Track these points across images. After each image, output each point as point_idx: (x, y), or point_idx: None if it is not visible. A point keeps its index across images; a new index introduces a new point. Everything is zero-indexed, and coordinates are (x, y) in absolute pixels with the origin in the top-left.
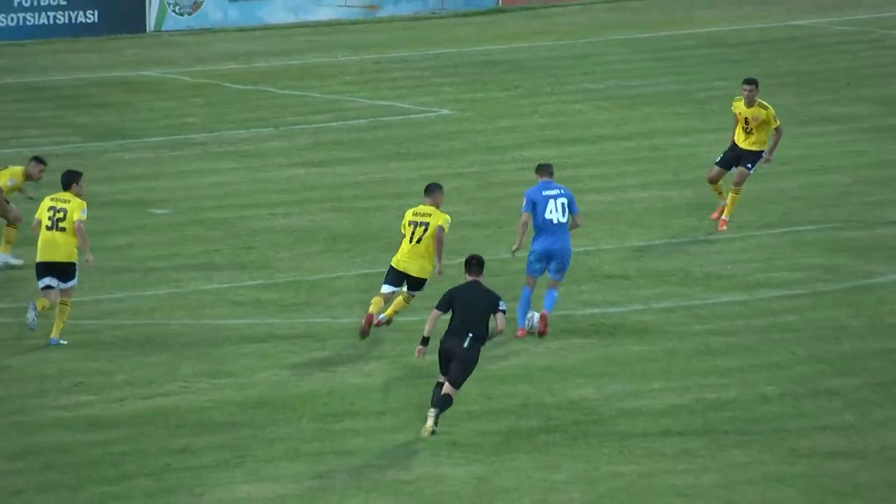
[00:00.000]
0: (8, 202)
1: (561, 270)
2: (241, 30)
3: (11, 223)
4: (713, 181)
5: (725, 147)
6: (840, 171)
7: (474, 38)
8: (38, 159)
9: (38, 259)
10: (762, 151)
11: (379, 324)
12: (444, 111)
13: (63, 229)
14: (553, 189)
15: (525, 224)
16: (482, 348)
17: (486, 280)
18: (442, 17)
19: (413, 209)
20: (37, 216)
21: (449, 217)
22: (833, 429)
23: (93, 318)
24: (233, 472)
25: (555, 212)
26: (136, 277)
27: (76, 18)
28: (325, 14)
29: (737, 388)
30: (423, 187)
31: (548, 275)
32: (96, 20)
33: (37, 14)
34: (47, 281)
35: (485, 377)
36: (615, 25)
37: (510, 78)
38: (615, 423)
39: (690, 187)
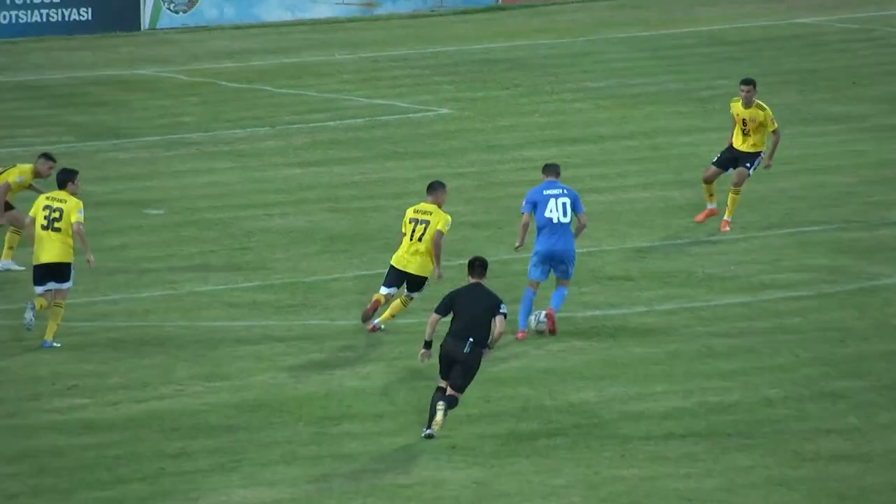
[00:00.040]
0: (12, 206)
1: (566, 273)
2: (237, 27)
3: (17, 229)
4: (709, 181)
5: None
6: (842, 171)
7: (474, 36)
8: (47, 156)
9: (35, 261)
10: (760, 152)
11: (374, 329)
12: (443, 110)
13: (58, 229)
14: (555, 188)
15: (525, 225)
16: (485, 357)
17: (487, 282)
18: (441, 15)
19: (414, 207)
20: (31, 213)
21: (449, 217)
22: (837, 432)
23: (87, 319)
24: (229, 476)
25: (555, 211)
26: (130, 278)
27: (70, 16)
28: (322, 12)
29: (740, 391)
30: (421, 187)
31: (553, 274)
32: (90, 18)
33: (30, 12)
34: (46, 286)
35: (484, 380)
36: (616, 23)
37: (510, 76)
38: (616, 426)
39: (692, 187)
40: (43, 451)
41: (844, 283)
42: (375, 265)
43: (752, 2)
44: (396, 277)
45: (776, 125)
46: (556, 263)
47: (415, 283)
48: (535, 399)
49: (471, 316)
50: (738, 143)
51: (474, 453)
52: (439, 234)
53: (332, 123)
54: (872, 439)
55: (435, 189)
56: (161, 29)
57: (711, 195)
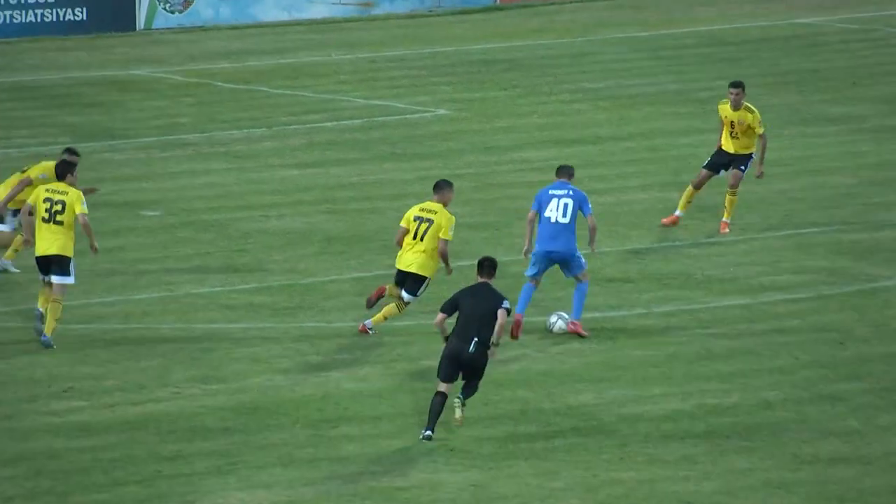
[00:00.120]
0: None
1: (570, 271)
2: (234, 28)
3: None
4: (697, 186)
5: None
6: (842, 172)
7: (471, 37)
8: (71, 151)
9: (36, 253)
10: (752, 154)
11: (364, 330)
12: (441, 111)
13: (60, 223)
14: (561, 189)
15: (531, 221)
16: (491, 356)
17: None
18: (438, 15)
19: (419, 205)
20: (30, 202)
21: (454, 218)
22: (837, 434)
23: (83, 322)
24: (225, 479)
25: (555, 211)
26: (126, 280)
27: (64, 16)
28: (318, 12)
29: (739, 393)
30: (419, 188)
31: (565, 277)
32: (85, 18)
33: (24, 12)
34: (48, 276)
35: (483, 382)
36: (614, 23)
37: (508, 77)
38: (615, 428)
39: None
40: (39, 453)
41: (844, 284)
42: (373, 267)
43: (752, 2)
44: (402, 279)
45: (763, 129)
46: (557, 263)
47: (414, 283)
48: (534, 401)
49: (475, 315)
50: (728, 145)
51: (472, 456)
52: (444, 242)
53: (329, 124)
54: (871, 442)
55: (441, 188)
56: (157, 29)
57: (689, 202)
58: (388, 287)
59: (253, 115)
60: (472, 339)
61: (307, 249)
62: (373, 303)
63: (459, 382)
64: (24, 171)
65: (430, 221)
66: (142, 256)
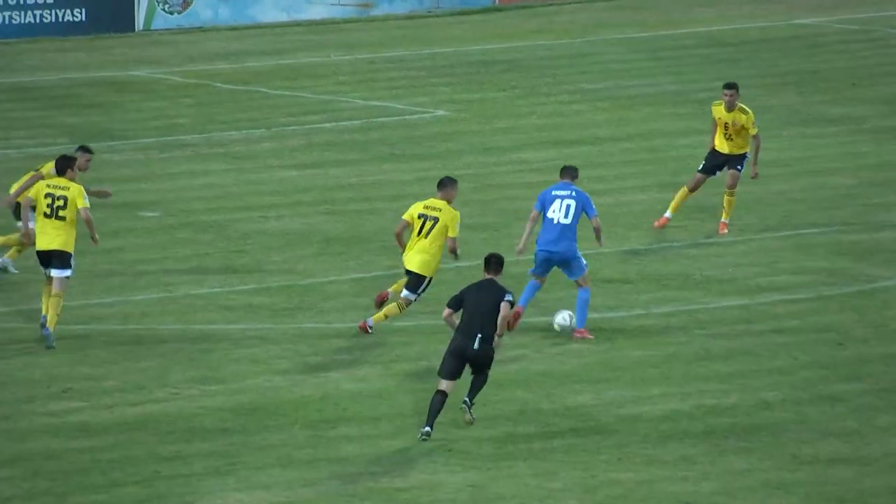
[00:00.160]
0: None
1: (571, 273)
2: (233, 29)
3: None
4: (692, 189)
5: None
6: (841, 173)
7: (470, 38)
8: (84, 149)
9: (38, 247)
10: (746, 153)
11: (364, 326)
12: (440, 112)
13: (62, 218)
14: (564, 190)
15: (532, 220)
16: (494, 345)
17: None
18: (437, 16)
19: (424, 202)
20: (31, 195)
21: (458, 214)
22: (836, 435)
23: (82, 322)
24: (224, 480)
25: (556, 212)
26: (125, 281)
27: (63, 17)
28: (317, 12)
29: (738, 394)
30: (418, 189)
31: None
32: (84, 19)
33: (23, 13)
34: (49, 269)
35: None
36: (613, 24)
37: (507, 78)
38: (614, 429)
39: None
40: (37, 454)
41: (843, 285)
42: (372, 268)
43: (751, 2)
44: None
45: (756, 129)
46: (558, 264)
47: (415, 282)
48: (533, 402)
49: (478, 311)
50: (722, 146)
51: (471, 456)
52: (452, 240)
53: (327, 125)
54: (871, 442)
55: (445, 185)
56: (155, 30)
57: (677, 208)
58: (392, 287)
59: (252, 115)
60: (476, 336)
61: (306, 250)
62: (383, 300)
63: (464, 384)
64: (37, 170)
65: (436, 220)
66: (141, 257)
